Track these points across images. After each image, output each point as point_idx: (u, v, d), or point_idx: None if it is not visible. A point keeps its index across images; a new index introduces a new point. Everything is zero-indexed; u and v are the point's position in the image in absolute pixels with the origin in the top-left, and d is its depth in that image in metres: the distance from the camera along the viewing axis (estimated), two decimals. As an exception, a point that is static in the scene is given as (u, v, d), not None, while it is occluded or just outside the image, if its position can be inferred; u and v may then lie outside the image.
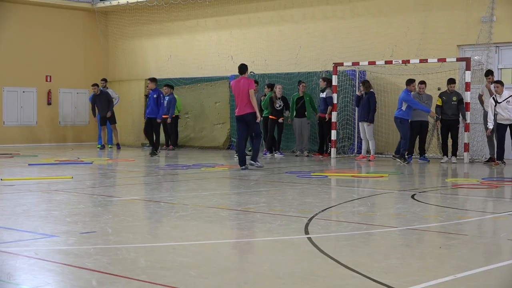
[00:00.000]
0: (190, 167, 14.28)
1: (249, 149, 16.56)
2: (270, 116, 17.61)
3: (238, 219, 7.59)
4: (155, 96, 17.33)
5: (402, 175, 12.89)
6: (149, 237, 6.48)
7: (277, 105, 17.55)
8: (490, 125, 14.69)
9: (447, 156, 15.69)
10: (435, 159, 16.09)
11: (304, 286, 4.64)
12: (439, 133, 15.95)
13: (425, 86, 15.99)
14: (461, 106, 15.39)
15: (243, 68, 13.84)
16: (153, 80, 17.66)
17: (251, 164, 13.78)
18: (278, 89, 17.56)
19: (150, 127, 17.56)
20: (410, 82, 15.41)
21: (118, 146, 20.81)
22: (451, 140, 15.72)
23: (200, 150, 20.27)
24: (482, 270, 5.12)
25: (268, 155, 17.60)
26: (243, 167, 13.57)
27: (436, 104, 15.65)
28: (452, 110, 15.44)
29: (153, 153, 17.37)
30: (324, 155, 17.34)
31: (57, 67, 23.16)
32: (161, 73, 22.76)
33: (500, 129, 14.73)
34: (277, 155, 17.58)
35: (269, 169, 13.83)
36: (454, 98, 15.47)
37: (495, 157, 14.95)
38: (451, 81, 15.60)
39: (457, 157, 15.52)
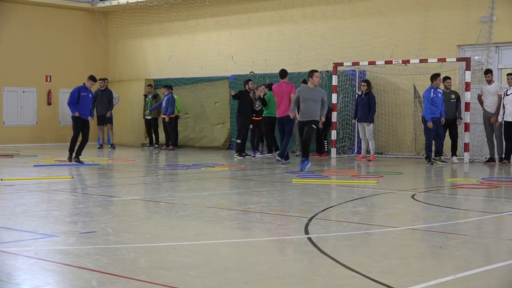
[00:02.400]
0: (190, 167, 14.28)
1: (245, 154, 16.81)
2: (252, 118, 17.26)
3: (238, 219, 7.58)
4: (90, 96, 15.08)
5: (401, 175, 12.90)
6: (149, 237, 6.47)
7: (256, 106, 17.32)
8: (500, 118, 14.72)
9: (441, 155, 15.17)
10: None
11: (304, 286, 4.64)
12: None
13: (319, 75, 13.82)
14: (458, 103, 15.35)
15: (283, 73, 15.06)
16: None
17: (278, 160, 14.77)
18: (259, 90, 16.94)
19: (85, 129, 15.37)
20: (434, 77, 14.60)
21: (113, 146, 20.81)
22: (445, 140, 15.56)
23: (200, 150, 20.27)
24: (482, 270, 5.12)
25: (259, 155, 17.43)
26: (287, 161, 14.66)
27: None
28: (451, 109, 15.21)
29: (70, 158, 14.94)
30: (322, 155, 17.31)
31: (57, 67, 23.17)
32: (161, 73, 22.77)
33: (507, 127, 14.69)
34: (258, 155, 17.30)
35: (269, 169, 13.83)
36: (453, 96, 15.39)
37: (503, 155, 14.89)
38: (446, 78, 15.42)
39: (457, 157, 15.49)
